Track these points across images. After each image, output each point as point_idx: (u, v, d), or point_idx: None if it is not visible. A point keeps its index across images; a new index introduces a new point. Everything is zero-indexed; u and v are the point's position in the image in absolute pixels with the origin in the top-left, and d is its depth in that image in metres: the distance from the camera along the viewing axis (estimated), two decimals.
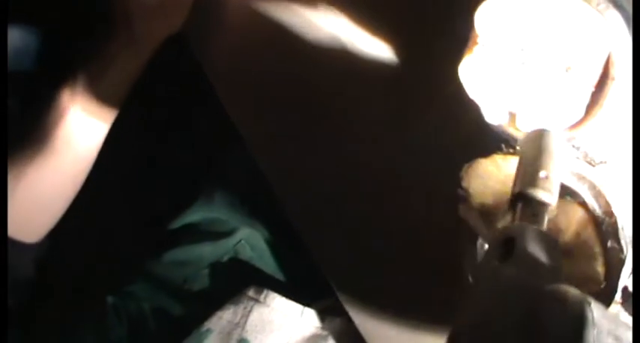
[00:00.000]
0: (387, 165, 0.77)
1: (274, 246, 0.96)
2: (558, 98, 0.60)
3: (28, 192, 0.89)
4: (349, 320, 0.86)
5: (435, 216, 0.73)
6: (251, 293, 0.89)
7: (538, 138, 0.53)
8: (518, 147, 0.58)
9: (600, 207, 0.57)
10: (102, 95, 0.88)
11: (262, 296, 0.88)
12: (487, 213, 0.58)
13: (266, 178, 0.86)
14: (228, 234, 0.96)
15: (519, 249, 0.42)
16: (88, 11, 0.96)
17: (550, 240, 0.44)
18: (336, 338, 0.88)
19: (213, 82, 0.87)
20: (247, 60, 0.86)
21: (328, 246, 0.83)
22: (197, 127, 1.02)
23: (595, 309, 0.35)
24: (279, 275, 0.95)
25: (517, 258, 0.42)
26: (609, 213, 0.57)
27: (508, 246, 0.43)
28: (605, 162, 0.58)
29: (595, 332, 0.34)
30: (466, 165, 0.61)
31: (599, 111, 0.58)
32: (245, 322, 0.87)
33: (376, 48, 0.76)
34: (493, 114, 0.63)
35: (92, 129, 0.90)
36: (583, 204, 0.57)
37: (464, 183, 0.61)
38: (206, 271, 0.96)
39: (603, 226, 0.56)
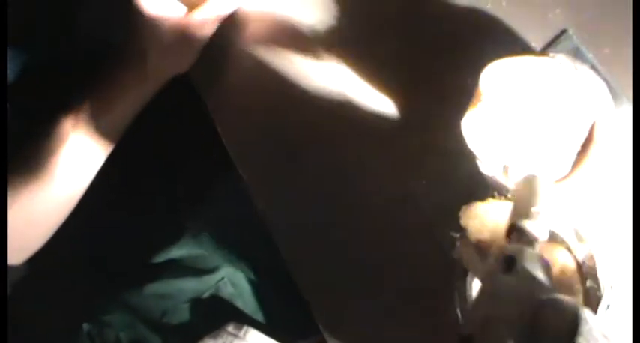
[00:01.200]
0: (384, 211, 0.81)
1: (256, 286, 0.98)
2: (548, 155, 0.67)
3: (19, 215, 0.89)
4: None
5: (430, 261, 0.77)
6: (230, 328, 0.90)
7: (531, 181, 0.60)
8: (513, 189, 0.64)
9: (581, 251, 0.64)
10: (105, 125, 0.90)
11: (242, 332, 0.90)
12: (483, 249, 0.64)
13: (257, 218, 0.87)
14: (211, 270, 0.99)
15: (519, 265, 0.48)
16: (103, 41, 0.99)
17: (544, 262, 0.50)
18: None
19: (215, 120, 0.89)
20: (249, 103, 0.89)
21: (319, 288, 0.85)
22: (192, 164, 1.05)
23: (587, 312, 0.40)
24: (258, 315, 0.97)
25: (517, 272, 0.47)
26: (589, 257, 0.63)
27: (508, 262, 0.49)
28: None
29: (587, 327, 0.37)
30: (464, 207, 0.67)
31: (582, 169, 0.66)
32: None
33: (378, 100, 0.81)
34: (489, 166, 0.70)
35: (90, 158, 0.92)
36: (567, 247, 0.64)
37: (462, 222, 0.67)
38: (186, 305, 0.98)
39: (583, 268, 0.63)
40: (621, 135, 0.68)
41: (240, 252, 0.98)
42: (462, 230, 0.66)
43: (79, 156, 0.91)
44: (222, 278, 0.98)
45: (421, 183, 0.77)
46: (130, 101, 0.91)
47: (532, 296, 0.44)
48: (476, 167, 0.70)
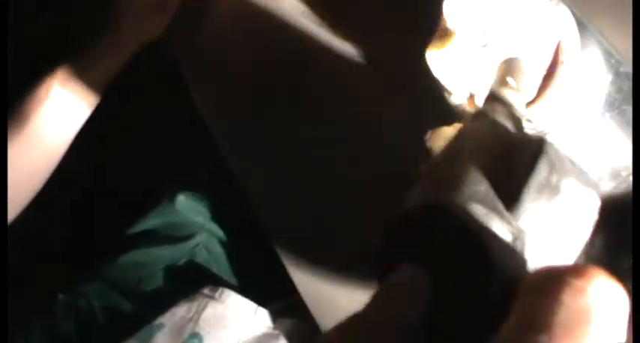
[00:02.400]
0: (357, 157, 0.81)
1: (231, 251, 0.98)
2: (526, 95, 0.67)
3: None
4: (300, 322, 0.88)
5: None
6: (206, 291, 0.90)
7: (512, 61, 0.60)
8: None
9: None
10: (84, 88, 0.91)
11: (218, 293, 0.89)
12: None
13: (234, 181, 0.88)
14: (185, 238, 0.98)
15: (490, 116, 0.47)
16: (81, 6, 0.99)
17: (517, 118, 0.49)
18: (287, 338, 0.89)
19: (190, 82, 0.90)
20: (224, 63, 0.90)
21: (296, 250, 0.85)
22: (167, 130, 1.05)
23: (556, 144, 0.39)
24: (233, 280, 0.97)
25: (488, 121, 0.46)
26: None
27: (478, 114, 0.48)
28: (549, 133, 0.65)
29: (554, 150, 0.36)
30: (430, 131, 0.67)
31: (550, 91, 0.66)
32: (198, 317, 0.87)
33: (349, 35, 0.82)
34: (455, 94, 0.70)
35: (69, 122, 0.92)
36: None
37: (428, 144, 0.66)
38: (161, 273, 0.97)
39: None
40: (587, 64, 0.69)
41: (215, 216, 0.97)
42: (428, 150, 0.66)
43: (61, 112, 0.91)
44: (198, 245, 0.97)
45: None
46: (106, 64, 0.92)
47: (503, 136, 0.43)
48: (444, 96, 0.70)
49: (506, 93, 0.52)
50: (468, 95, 0.70)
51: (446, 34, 0.69)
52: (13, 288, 1.00)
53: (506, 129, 0.43)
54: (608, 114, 0.69)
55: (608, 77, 0.69)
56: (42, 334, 0.94)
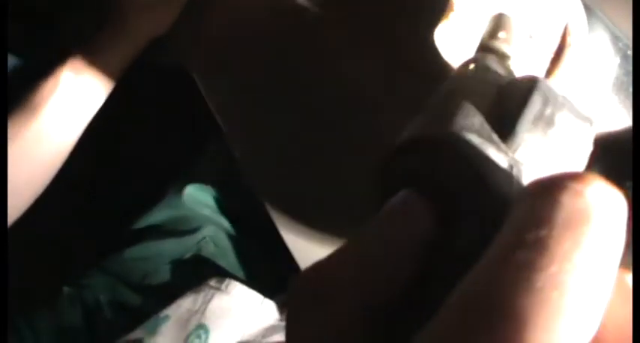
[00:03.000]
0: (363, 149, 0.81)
1: (238, 243, 0.98)
2: (522, 62, 0.67)
3: (15, 164, 0.87)
4: None
5: None
6: (213, 282, 0.90)
7: (501, 15, 0.60)
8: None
9: None
10: (87, 86, 0.90)
11: (224, 284, 0.89)
12: None
13: (240, 174, 0.88)
14: (192, 231, 0.98)
15: (482, 63, 0.47)
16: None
17: (509, 68, 0.49)
18: None
19: (196, 76, 0.89)
20: (228, 57, 0.90)
21: (303, 241, 0.84)
22: (174, 125, 1.05)
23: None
24: (240, 273, 0.97)
25: (480, 67, 0.46)
26: None
27: (470, 62, 0.48)
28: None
29: (546, 86, 0.35)
30: None
31: (558, 74, 0.66)
32: (205, 309, 0.87)
33: (349, 28, 0.82)
34: None
35: (74, 120, 0.92)
36: None
37: None
38: (167, 266, 0.97)
39: None
40: (594, 46, 0.69)
41: (222, 209, 0.97)
42: None
43: (71, 104, 0.90)
44: (204, 238, 0.98)
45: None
46: (116, 55, 0.91)
47: (496, 80, 0.43)
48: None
49: (499, 45, 0.52)
50: None
51: (453, 9, 0.69)
52: (20, 281, 1.01)
53: (497, 73, 0.43)
54: (616, 97, 0.69)
55: (616, 60, 0.69)
56: (48, 327, 0.94)
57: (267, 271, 0.95)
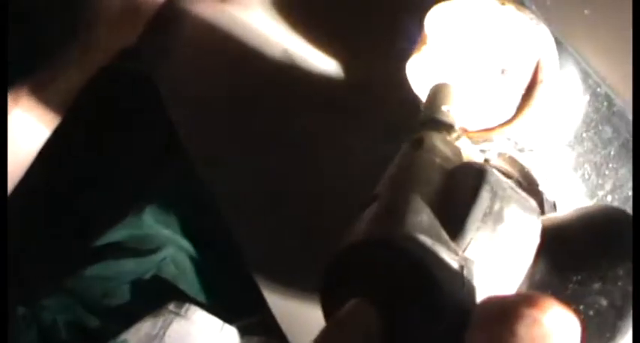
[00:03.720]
0: (335, 177, 0.80)
1: (199, 265, 0.96)
2: (493, 97, 0.67)
3: None
4: (268, 340, 0.87)
5: None
6: (172, 307, 0.88)
7: (443, 86, 0.60)
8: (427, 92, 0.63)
9: (527, 185, 0.63)
10: (47, 100, 0.88)
11: (183, 309, 0.87)
12: None
13: (205, 194, 0.86)
14: (153, 251, 0.96)
15: (427, 144, 0.47)
16: (46, 15, 0.97)
17: (454, 145, 0.49)
18: None
19: (165, 95, 0.88)
20: (199, 74, 0.89)
21: (268, 266, 0.83)
22: (137, 143, 1.03)
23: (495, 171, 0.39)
24: (201, 295, 0.95)
25: (425, 149, 0.46)
26: (535, 191, 0.63)
27: (417, 141, 0.48)
28: (532, 150, 0.65)
29: (494, 178, 0.36)
30: (403, 145, 0.66)
31: (529, 110, 0.65)
32: (164, 334, 0.86)
33: (320, 56, 0.81)
34: None
35: (32, 135, 0.90)
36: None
37: None
38: (127, 287, 0.95)
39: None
40: (564, 82, 0.69)
41: (184, 229, 0.95)
42: None
43: (20, 131, 0.88)
44: (165, 259, 0.95)
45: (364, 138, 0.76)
46: (73, 75, 0.90)
47: (442, 166, 0.42)
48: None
49: (442, 118, 0.52)
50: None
51: (425, 43, 0.68)
52: None
53: (443, 155, 0.43)
54: (584, 135, 0.69)
55: (585, 97, 0.69)
56: None
57: (229, 296, 0.93)
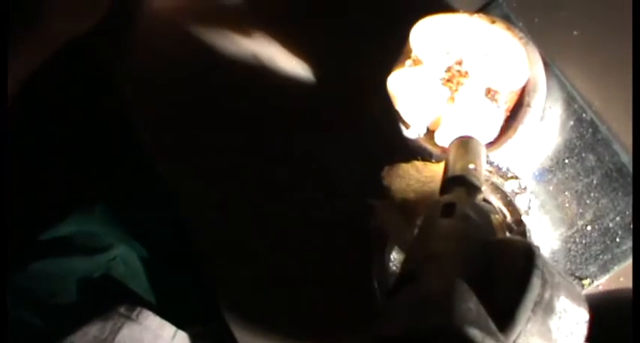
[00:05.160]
0: (296, 185, 0.77)
1: (151, 266, 0.92)
2: (476, 118, 0.64)
3: None
4: None
5: (340, 238, 0.73)
6: (122, 310, 0.84)
7: (467, 141, 0.57)
8: (448, 147, 0.60)
9: (511, 214, 0.61)
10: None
11: (135, 313, 0.84)
12: (408, 209, 0.60)
13: (158, 194, 0.84)
14: (103, 249, 0.92)
15: (460, 211, 0.44)
16: None
17: (484, 211, 0.46)
18: None
19: (127, 98, 0.85)
20: (155, 71, 0.86)
21: (223, 267, 0.81)
22: (89, 138, 0.99)
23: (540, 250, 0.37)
24: (151, 297, 0.91)
25: (458, 217, 0.43)
26: (518, 221, 0.60)
27: (448, 208, 0.45)
28: (517, 178, 0.62)
29: (542, 261, 0.34)
30: (387, 168, 0.64)
31: (514, 135, 0.63)
32: (113, 339, 0.82)
33: (296, 64, 0.78)
34: (413, 128, 0.66)
35: None
36: (496, 212, 0.61)
37: (385, 183, 0.63)
38: (75, 286, 0.90)
39: (513, 232, 0.60)
40: (550, 104, 0.66)
41: (136, 229, 0.92)
42: (386, 188, 0.62)
43: None
44: (115, 258, 0.91)
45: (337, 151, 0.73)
46: (22, 62, 0.84)
47: (477, 237, 0.40)
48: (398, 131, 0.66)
49: (472, 181, 0.49)
50: (426, 131, 0.66)
51: (409, 57, 0.65)
52: None
53: (480, 228, 0.41)
54: (567, 161, 0.67)
55: (569, 123, 0.67)
56: None
57: (181, 300, 0.90)
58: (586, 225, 0.65)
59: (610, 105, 0.66)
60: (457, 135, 0.60)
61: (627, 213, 0.64)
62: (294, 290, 0.77)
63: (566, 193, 0.66)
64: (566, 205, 0.66)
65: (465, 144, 0.56)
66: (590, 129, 0.66)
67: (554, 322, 0.31)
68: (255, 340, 0.79)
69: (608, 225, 0.65)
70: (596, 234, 0.64)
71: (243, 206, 0.79)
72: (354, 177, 0.71)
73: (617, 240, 0.64)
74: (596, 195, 0.65)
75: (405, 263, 0.41)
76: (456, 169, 0.52)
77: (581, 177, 0.66)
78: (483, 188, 0.62)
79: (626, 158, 0.65)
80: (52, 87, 0.89)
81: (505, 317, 0.30)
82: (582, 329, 0.32)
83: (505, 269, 0.34)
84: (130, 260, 0.93)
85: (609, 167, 0.65)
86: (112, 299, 0.86)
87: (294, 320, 0.77)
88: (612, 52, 0.67)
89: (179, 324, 0.84)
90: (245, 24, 0.80)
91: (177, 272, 0.91)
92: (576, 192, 0.66)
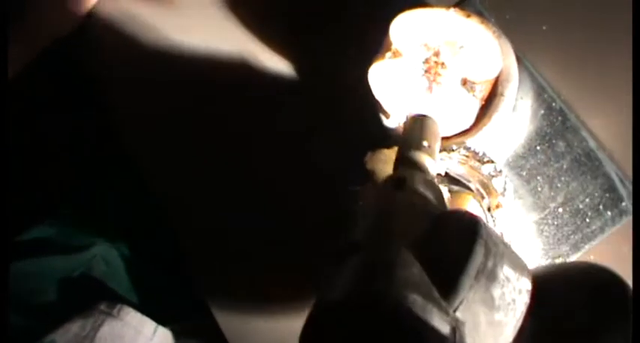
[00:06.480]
0: (280, 174, 0.79)
1: (132, 264, 0.93)
2: (453, 107, 0.67)
3: None
4: None
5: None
6: (103, 307, 0.85)
7: (421, 119, 0.59)
8: (402, 125, 0.63)
9: (488, 196, 0.64)
10: None
11: (115, 310, 0.84)
12: None
13: (142, 194, 0.85)
14: (83, 248, 0.92)
15: (409, 185, 0.46)
16: None
17: (435, 186, 0.48)
18: None
19: (98, 88, 0.86)
20: (133, 69, 0.86)
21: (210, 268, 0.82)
22: (73, 138, 0.99)
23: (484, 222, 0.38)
24: (132, 295, 0.92)
25: (409, 191, 0.45)
26: (496, 204, 0.64)
27: (399, 181, 0.47)
28: (493, 162, 0.66)
29: (487, 231, 0.35)
30: (369, 153, 0.66)
31: (489, 122, 0.66)
32: (94, 335, 0.82)
33: (273, 57, 0.80)
34: (393, 118, 0.69)
35: None
36: (473, 194, 0.64)
37: (368, 166, 0.65)
38: (55, 285, 0.91)
39: (490, 213, 0.63)
40: (522, 94, 0.70)
41: (118, 227, 0.92)
42: (370, 172, 0.65)
43: None
44: (95, 256, 0.91)
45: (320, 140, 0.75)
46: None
47: (425, 209, 0.41)
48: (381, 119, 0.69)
49: (424, 158, 0.51)
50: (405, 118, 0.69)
51: (389, 50, 0.68)
52: None
53: (430, 202, 0.42)
54: (538, 148, 0.70)
55: (540, 112, 0.71)
56: None
57: (162, 297, 0.90)
58: (557, 207, 0.68)
59: (577, 95, 0.70)
60: (412, 114, 0.62)
61: (596, 194, 0.68)
62: (283, 282, 0.78)
63: (539, 178, 0.69)
64: (539, 189, 0.69)
65: (419, 121, 0.58)
66: (560, 118, 0.70)
67: (496, 290, 0.32)
68: (243, 334, 0.80)
69: (579, 206, 0.68)
70: (567, 216, 0.68)
71: (226, 199, 0.80)
72: (337, 164, 0.73)
73: (587, 220, 0.68)
74: (566, 178, 0.69)
75: (350, 234, 0.42)
76: (410, 146, 0.54)
77: (552, 163, 0.69)
78: (462, 171, 0.65)
79: (594, 143, 0.69)
80: (32, 88, 0.89)
81: (448, 284, 0.31)
82: (524, 298, 0.33)
83: (449, 239, 0.34)
84: (111, 258, 0.93)
85: (578, 152, 0.69)
86: (92, 297, 0.86)
87: (283, 312, 0.78)
88: (579, 45, 0.71)
89: (161, 321, 0.85)
90: (223, 20, 0.82)
91: (160, 269, 0.91)
92: (548, 176, 0.69)
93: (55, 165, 1.00)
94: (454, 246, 0.33)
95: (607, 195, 0.68)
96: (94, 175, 0.98)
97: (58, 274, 0.91)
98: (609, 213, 0.67)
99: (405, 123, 0.61)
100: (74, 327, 0.83)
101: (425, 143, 0.56)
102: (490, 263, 0.32)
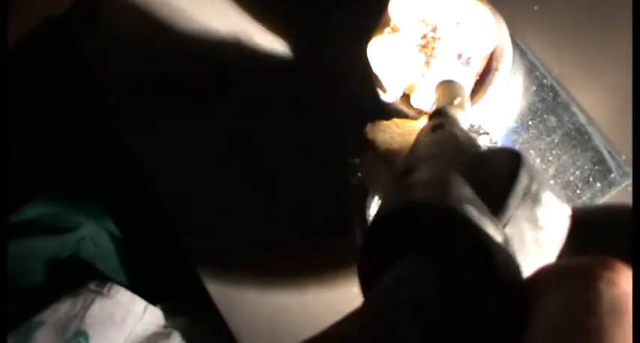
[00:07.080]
0: (276, 155, 0.80)
1: (122, 245, 0.93)
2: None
3: None
4: (194, 321, 0.85)
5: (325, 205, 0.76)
6: (93, 285, 0.85)
7: (452, 81, 0.61)
8: (436, 86, 0.65)
9: None
10: None
11: (106, 288, 0.84)
12: (392, 158, 0.64)
13: (133, 170, 0.85)
14: (71, 229, 0.92)
15: (448, 128, 0.48)
16: None
17: (469, 134, 0.50)
18: (179, 337, 0.86)
19: (101, 82, 0.86)
20: (128, 50, 0.87)
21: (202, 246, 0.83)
22: (73, 138, 0.99)
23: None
24: (122, 277, 0.92)
25: (448, 131, 0.47)
26: None
27: (437, 128, 0.49)
28: (488, 133, 0.68)
29: (530, 162, 0.36)
30: (369, 124, 0.68)
31: (484, 96, 0.68)
32: (84, 314, 0.82)
33: (269, 36, 0.81)
34: (390, 92, 0.71)
35: None
36: None
37: (369, 136, 0.66)
38: (42, 267, 0.90)
39: None
40: (514, 71, 0.72)
41: (107, 207, 0.92)
42: (370, 142, 0.66)
43: None
44: (84, 238, 0.91)
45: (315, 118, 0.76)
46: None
47: (467, 145, 0.43)
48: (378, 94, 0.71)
49: (457, 111, 0.54)
50: (402, 94, 0.71)
51: (388, 26, 0.70)
52: None
53: (465, 142, 0.44)
54: (530, 123, 0.72)
55: (532, 88, 0.73)
56: None
57: (152, 276, 0.90)
58: (549, 180, 0.70)
59: (568, 72, 0.73)
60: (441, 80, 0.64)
61: (586, 167, 0.70)
62: (277, 260, 0.79)
63: (531, 151, 0.72)
64: (531, 162, 0.71)
65: (450, 83, 0.61)
66: (551, 94, 0.72)
67: (540, 211, 0.33)
68: (239, 314, 0.80)
69: (569, 178, 0.70)
70: (558, 188, 0.70)
71: (220, 182, 0.81)
72: (334, 140, 0.74)
73: (578, 191, 0.70)
74: (557, 152, 0.71)
75: (400, 166, 0.43)
76: (443, 103, 0.57)
77: (543, 137, 0.72)
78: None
79: (583, 119, 0.71)
80: (25, 71, 0.89)
81: (497, 204, 0.33)
82: (565, 222, 0.35)
83: (495, 167, 0.36)
84: (100, 239, 0.93)
85: (569, 127, 0.71)
86: (82, 279, 0.86)
87: (277, 288, 0.79)
88: (569, 24, 0.74)
89: (151, 300, 0.86)
90: (219, 3, 0.83)
91: (151, 250, 0.91)
92: (539, 150, 0.71)
93: (54, 164, 1.00)
94: (501, 169, 0.35)
95: (596, 167, 0.70)
96: (83, 156, 0.98)
97: (47, 256, 0.91)
98: (599, 184, 0.69)
99: (437, 85, 0.63)
100: (63, 306, 0.83)
101: (457, 100, 0.58)
102: (534, 187, 0.33)
